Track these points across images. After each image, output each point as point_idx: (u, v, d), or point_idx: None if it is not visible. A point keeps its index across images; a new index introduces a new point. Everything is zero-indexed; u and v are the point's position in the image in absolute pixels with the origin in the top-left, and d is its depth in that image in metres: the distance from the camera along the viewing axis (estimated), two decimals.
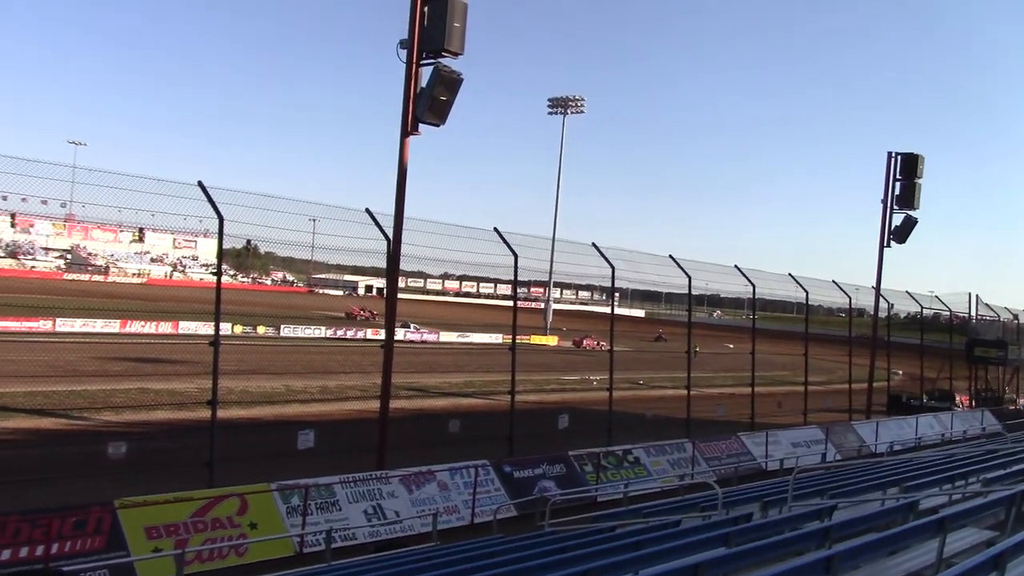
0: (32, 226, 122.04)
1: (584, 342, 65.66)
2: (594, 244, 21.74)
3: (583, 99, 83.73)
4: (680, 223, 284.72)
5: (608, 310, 25.49)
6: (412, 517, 14.99)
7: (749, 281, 26.44)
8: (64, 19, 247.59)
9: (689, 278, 24.00)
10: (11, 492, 13.23)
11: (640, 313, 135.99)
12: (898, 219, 31.99)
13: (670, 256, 24.08)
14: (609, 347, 22.54)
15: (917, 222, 32.06)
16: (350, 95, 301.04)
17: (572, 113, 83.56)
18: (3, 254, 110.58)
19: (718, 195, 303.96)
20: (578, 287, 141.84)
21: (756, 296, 27.47)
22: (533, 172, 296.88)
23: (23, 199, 16.89)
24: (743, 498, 12.64)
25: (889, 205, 31.98)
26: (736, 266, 26.56)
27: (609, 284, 22.39)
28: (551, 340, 70.54)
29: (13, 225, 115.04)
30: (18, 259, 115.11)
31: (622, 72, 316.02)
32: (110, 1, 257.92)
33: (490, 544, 10.68)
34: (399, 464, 16.17)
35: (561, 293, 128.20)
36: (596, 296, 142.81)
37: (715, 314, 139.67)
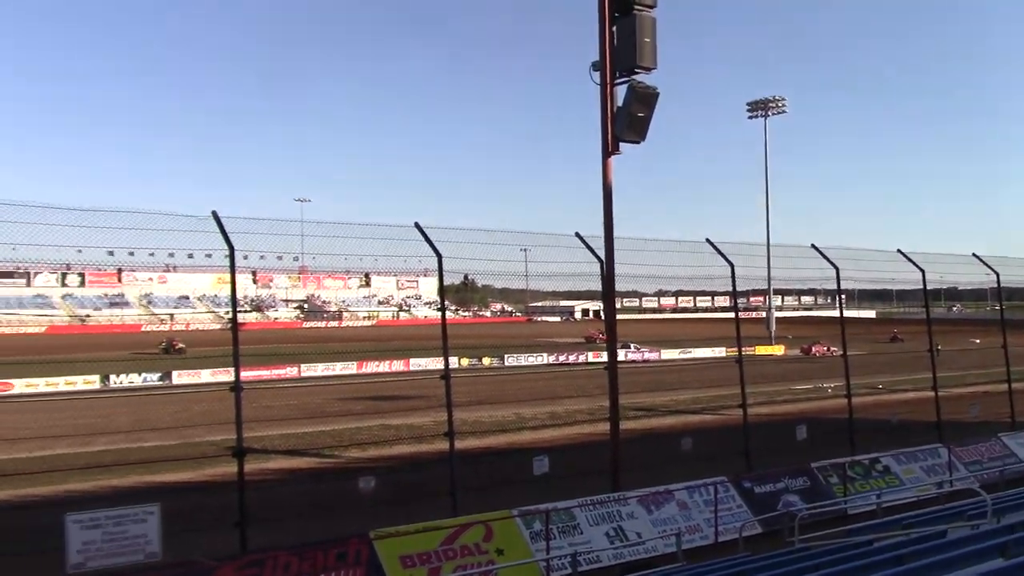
0: (271, 281, 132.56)
1: (813, 349, 63.02)
2: (814, 245, 20.81)
3: (784, 99, 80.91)
4: (903, 215, 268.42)
5: (835, 313, 24.27)
6: (654, 538, 14.80)
7: (992, 269, 24.36)
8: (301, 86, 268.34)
9: (923, 272, 22.42)
10: (277, 529, 14.25)
11: (871, 314, 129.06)
12: None
13: (899, 251, 22.64)
14: (841, 352, 21.44)
15: None
16: (544, 119, 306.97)
17: (773, 115, 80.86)
18: (249, 308, 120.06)
19: (941, 181, 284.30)
20: (800, 292, 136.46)
21: (1001, 285, 25.29)
22: (738, 177, 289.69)
23: (261, 256, 18.24)
24: (1015, 504, 11.59)
25: None
26: (974, 254, 24.60)
27: (834, 286, 21.33)
28: (777, 349, 68.19)
29: (255, 282, 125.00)
30: (262, 312, 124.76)
31: (821, 66, 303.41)
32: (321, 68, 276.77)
33: (740, 562, 10.36)
34: (634, 485, 16.04)
35: (782, 300, 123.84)
36: (820, 300, 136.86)
37: (954, 308, 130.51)
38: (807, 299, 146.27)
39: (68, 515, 11.30)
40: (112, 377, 44.42)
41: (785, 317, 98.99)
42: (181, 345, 65.14)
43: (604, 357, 17.10)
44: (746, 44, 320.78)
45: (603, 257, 16.68)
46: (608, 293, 17.38)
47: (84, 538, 11.19)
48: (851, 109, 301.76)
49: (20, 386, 40.60)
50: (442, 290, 17.00)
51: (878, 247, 23.40)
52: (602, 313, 18.02)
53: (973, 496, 12.44)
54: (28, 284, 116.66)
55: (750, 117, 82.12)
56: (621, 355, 53.66)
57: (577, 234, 17.22)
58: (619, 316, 18.49)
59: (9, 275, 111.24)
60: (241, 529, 12.72)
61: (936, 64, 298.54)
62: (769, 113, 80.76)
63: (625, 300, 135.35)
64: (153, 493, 16.15)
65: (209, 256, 15.06)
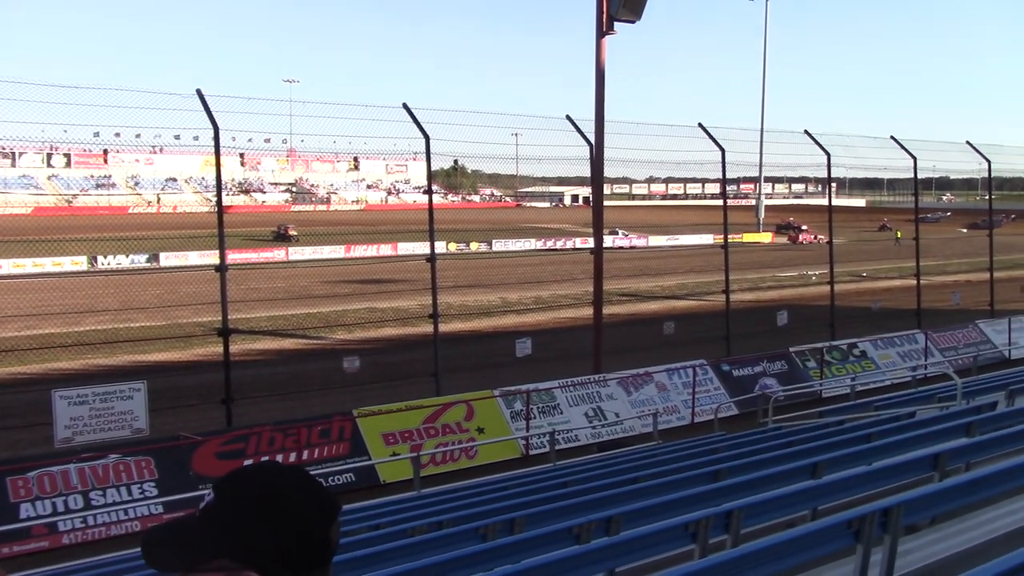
0: (259, 164, 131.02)
1: (800, 237, 63.19)
2: (807, 131, 20.66)
3: None
4: (902, 101, 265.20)
5: (824, 202, 24.26)
6: (632, 418, 15.17)
7: (984, 157, 24.23)
8: None
9: (914, 159, 22.30)
10: (263, 406, 14.51)
11: (860, 202, 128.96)
12: None
13: (892, 137, 22.47)
14: (828, 239, 21.55)
15: None
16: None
17: None
18: (236, 191, 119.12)
19: (947, 66, 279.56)
20: (791, 180, 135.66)
21: (992, 175, 25.21)
22: (735, 63, 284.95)
23: (249, 139, 17.89)
24: (985, 387, 11.84)
25: None
26: (968, 142, 24.40)
27: (824, 174, 21.28)
28: (765, 237, 68.26)
29: (243, 164, 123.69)
30: (250, 195, 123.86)
31: None
32: None
33: (712, 441, 10.63)
34: (616, 368, 16.32)
35: (773, 187, 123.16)
36: (811, 188, 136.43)
37: (944, 197, 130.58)
38: (798, 187, 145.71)
39: (55, 391, 11.46)
40: (99, 258, 44.30)
41: (775, 205, 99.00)
42: (294, 232, 58.24)
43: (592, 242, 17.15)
44: None
45: (593, 141, 16.52)
46: (597, 178, 17.29)
47: (72, 414, 11.38)
48: None
49: (7, 266, 40.54)
50: (429, 172, 16.87)
51: (872, 134, 23.12)
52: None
53: (946, 380, 12.69)
54: (13, 164, 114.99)
55: None
56: (608, 241, 53.81)
57: (568, 117, 17.00)
58: (608, 203, 18.42)
59: None
60: (227, 406, 12.94)
61: None
62: None
63: (615, 187, 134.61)
64: (140, 372, 16.30)
65: (196, 138, 14.91)
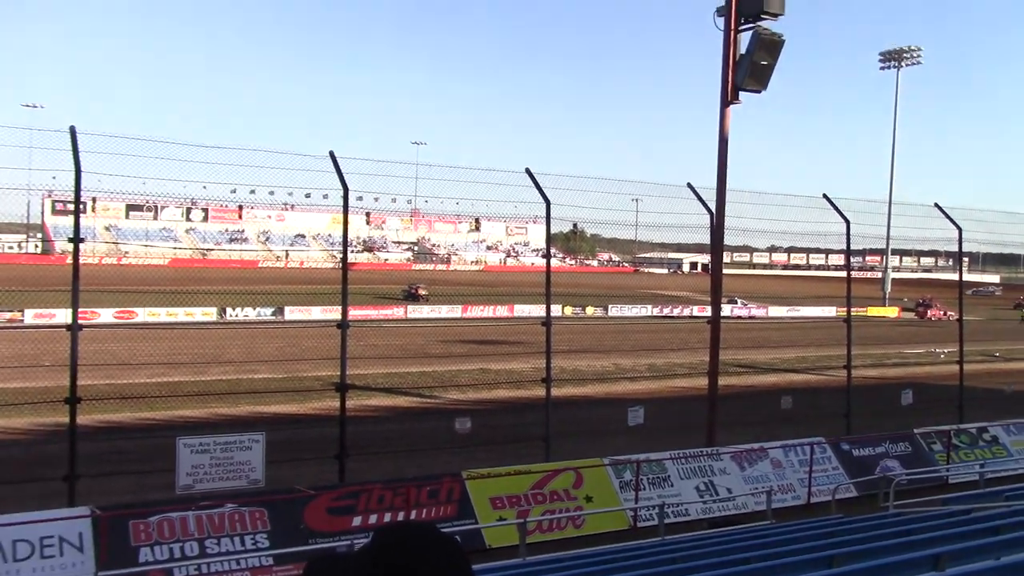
0: (384, 223, 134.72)
1: (928, 312, 60.76)
2: (937, 205, 20.01)
3: (920, 49, 76.64)
4: None
5: (955, 277, 23.33)
6: (745, 494, 14.73)
7: None
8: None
9: None
10: (374, 463, 14.76)
11: (995, 279, 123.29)
12: None
13: None
14: (958, 316, 20.68)
15: None
16: (661, 69, 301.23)
17: (908, 65, 76.76)
18: (360, 249, 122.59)
19: None
20: (920, 253, 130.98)
21: None
22: (864, 133, 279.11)
23: (375, 198, 18.59)
24: None
25: None
26: None
27: (956, 248, 20.54)
28: (891, 311, 65.92)
29: (368, 222, 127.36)
30: (373, 253, 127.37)
31: (962, 15, 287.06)
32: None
33: (828, 524, 10.24)
34: (730, 441, 15.95)
35: (900, 260, 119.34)
36: (941, 263, 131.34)
37: None
38: (927, 260, 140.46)
39: (180, 439, 11.95)
40: (228, 310, 46.20)
41: (902, 278, 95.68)
42: (424, 292, 57.65)
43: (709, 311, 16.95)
44: None
45: (714, 209, 16.42)
46: (716, 246, 17.13)
47: (193, 461, 11.83)
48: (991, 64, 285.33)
49: (143, 315, 42.67)
50: (548, 236, 17.07)
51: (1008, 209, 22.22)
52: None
53: None
54: (155, 217, 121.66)
55: (882, 68, 78.35)
56: (727, 310, 52.91)
57: (689, 185, 16.99)
58: (728, 271, 18.24)
59: (138, 208, 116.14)
60: (340, 461, 13.22)
61: None
62: (903, 64, 76.73)
63: (735, 255, 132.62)
64: (259, 422, 16.88)
65: (326, 196, 15.48)
